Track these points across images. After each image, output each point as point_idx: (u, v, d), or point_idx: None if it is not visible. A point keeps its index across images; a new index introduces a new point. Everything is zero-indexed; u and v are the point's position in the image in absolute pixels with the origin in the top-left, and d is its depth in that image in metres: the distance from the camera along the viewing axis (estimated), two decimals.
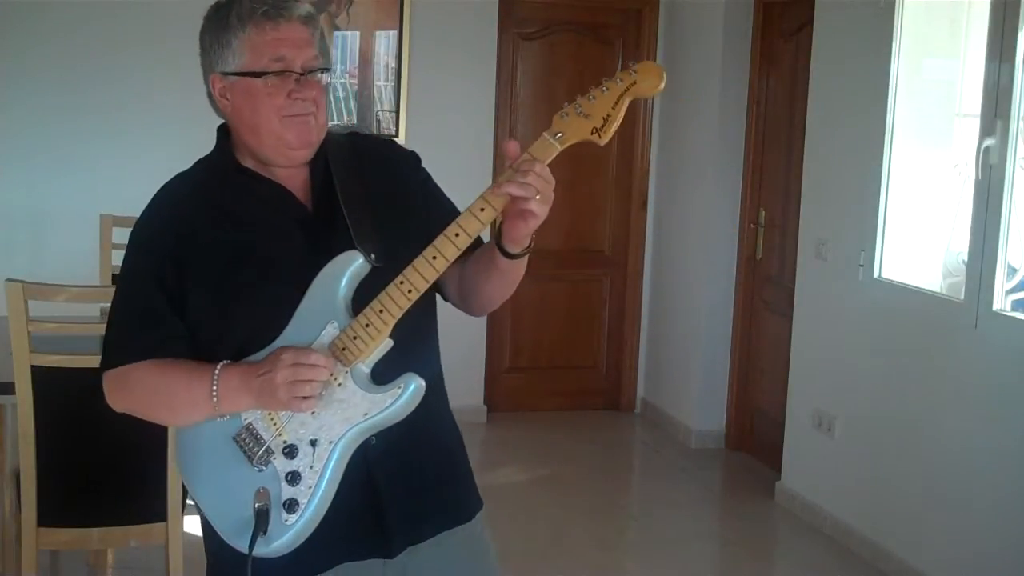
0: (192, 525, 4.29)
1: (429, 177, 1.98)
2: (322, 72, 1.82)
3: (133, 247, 1.88)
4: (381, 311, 1.70)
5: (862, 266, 4.44)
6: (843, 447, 4.61)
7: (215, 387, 1.72)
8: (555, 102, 7.33)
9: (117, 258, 4.43)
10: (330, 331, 1.72)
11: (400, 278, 1.69)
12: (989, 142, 3.73)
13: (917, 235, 4.39)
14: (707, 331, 5.81)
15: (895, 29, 4.27)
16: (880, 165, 4.34)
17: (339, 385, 1.71)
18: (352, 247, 1.75)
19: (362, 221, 1.79)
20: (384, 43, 5.83)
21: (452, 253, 1.69)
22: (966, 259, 3.95)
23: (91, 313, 4.12)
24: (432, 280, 1.70)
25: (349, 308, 1.73)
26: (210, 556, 1.86)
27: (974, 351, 3.83)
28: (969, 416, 3.87)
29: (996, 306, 3.75)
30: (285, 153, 1.82)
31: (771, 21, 5.51)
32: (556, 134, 1.69)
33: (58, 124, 5.48)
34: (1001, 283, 3.74)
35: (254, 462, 1.74)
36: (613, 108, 1.68)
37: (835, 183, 4.68)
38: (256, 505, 1.72)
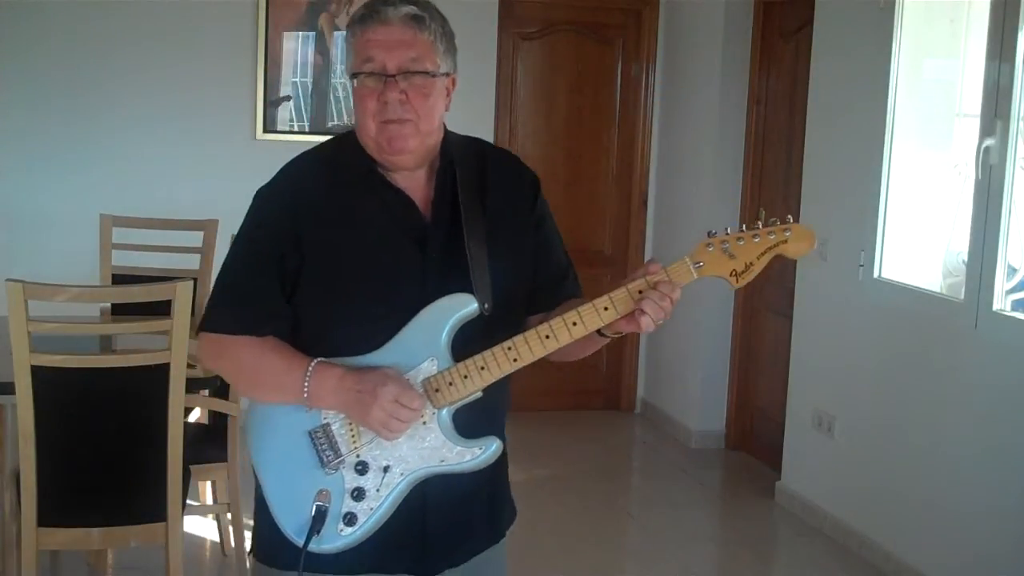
0: (192, 525, 4.30)
1: (545, 214, 1.97)
2: (425, 75, 1.78)
3: (257, 217, 1.88)
4: (483, 368, 1.75)
5: (862, 266, 4.44)
6: (843, 447, 4.61)
7: (307, 382, 1.76)
8: (555, 102, 7.38)
9: (117, 258, 4.49)
10: (428, 367, 1.77)
11: (509, 344, 1.75)
12: (989, 142, 3.73)
13: (917, 235, 4.39)
14: (707, 331, 5.81)
15: (895, 29, 4.27)
16: (880, 165, 4.34)
17: (424, 424, 1.77)
18: (466, 282, 1.78)
19: (479, 260, 1.81)
20: None
21: (565, 339, 1.75)
22: (966, 259, 3.94)
23: (91, 313, 4.13)
24: (539, 357, 1.76)
25: (450, 348, 1.77)
26: (260, 530, 1.91)
27: (974, 351, 3.83)
28: (969, 416, 3.86)
29: (996, 306, 3.74)
30: (385, 157, 1.83)
31: (771, 21, 5.51)
32: (697, 263, 1.77)
33: (58, 124, 5.48)
34: (1001, 283, 3.74)
35: (325, 465, 1.79)
36: (758, 258, 1.77)
37: (835, 183, 4.68)
38: (316, 504, 1.77)
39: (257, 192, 1.89)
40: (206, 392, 3.62)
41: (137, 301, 3.19)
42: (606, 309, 1.74)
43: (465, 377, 1.75)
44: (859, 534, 4.44)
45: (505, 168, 1.96)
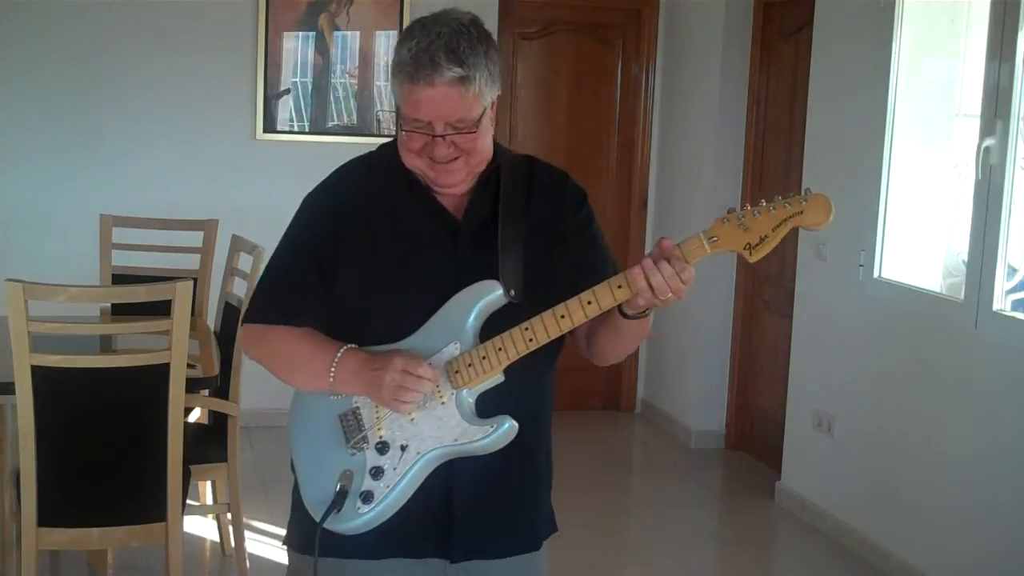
0: (192, 525, 4.30)
1: (591, 222, 2.00)
2: (473, 131, 1.82)
3: (301, 215, 1.96)
4: (500, 349, 1.79)
5: (862, 266, 4.44)
6: (843, 447, 4.61)
7: (334, 367, 1.83)
8: (555, 102, 7.37)
9: (117, 258, 4.49)
10: (450, 350, 1.82)
11: (525, 325, 1.78)
12: (989, 142, 3.73)
13: (917, 235, 4.39)
14: (707, 331, 5.81)
15: (895, 29, 4.27)
16: (880, 165, 4.34)
17: (442, 403, 1.81)
18: (495, 274, 1.82)
19: (512, 250, 1.85)
20: (384, 43, 5.83)
21: (580, 318, 1.76)
22: (966, 259, 3.94)
23: (91, 313, 4.13)
24: (555, 336, 1.78)
25: (476, 334, 1.82)
26: (294, 512, 1.97)
27: (974, 351, 3.83)
28: (969, 416, 3.86)
29: (996, 306, 3.74)
30: (434, 188, 1.89)
31: (771, 21, 5.51)
32: (711, 237, 1.75)
33: (58, 124, 5.48)
34: (1001, 283, 3.74)
35: (349, 445, 1.85)
36: (773, 230, 1.74)
37: (835, 183, 4.67)
38: (338, 484, 1.83)
39: (308, 193, 1.97)
40: (206, 392, 3.63)
41: (137, 301, 3.19)
42: (619, 287, 1.75)
43: (483, 358, 1.79)
44: (859, 534, 4.44)
45: (551, 179, 2.01)
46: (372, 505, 1.81)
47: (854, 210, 4.48)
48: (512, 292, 1.81)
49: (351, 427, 1.85)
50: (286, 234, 1.97)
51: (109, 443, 3.05)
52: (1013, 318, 3.71)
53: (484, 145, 1.87)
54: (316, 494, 1.86)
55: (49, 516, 2.99)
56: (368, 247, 1.88)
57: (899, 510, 4.23)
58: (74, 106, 5.48)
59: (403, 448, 1.81)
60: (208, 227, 4.56)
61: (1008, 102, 3.67)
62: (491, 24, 5.90)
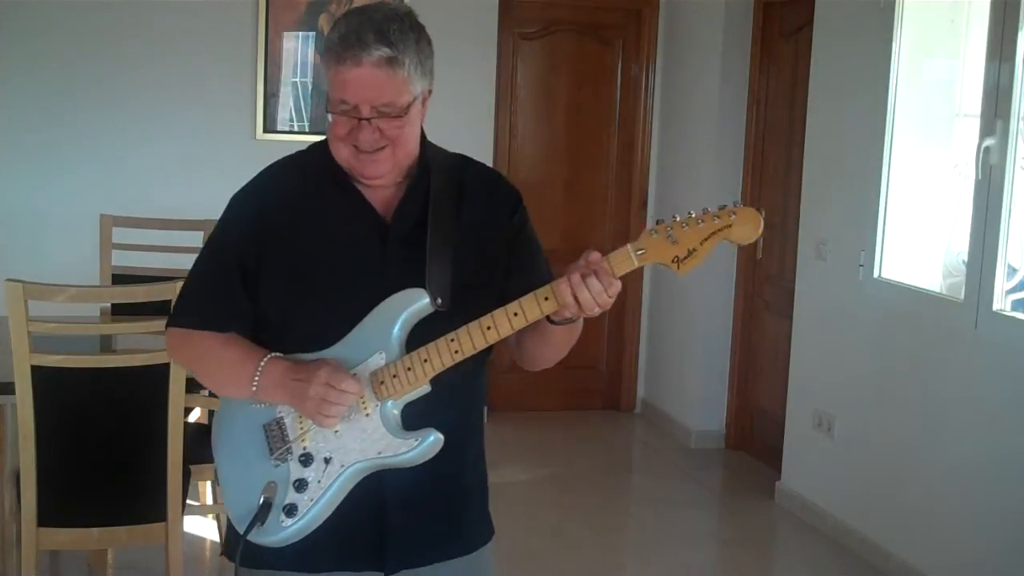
0: (192, 525, 4.30)
1: (524, 226, 1.95)
2: (400, 116, 1.78)
3: (226, 219, 1.92)
4: (425, 360, 1.75)
5: (862, 266, 4.44)
6: (843, 447, 4.61)
7: (257, 376, 1.80)
8: (555, 102, 7.34)
9: (117, 258, 4.48)
10: (376, 360, 1.78)
11: (451, 336, 1.75)
12: (989, 142, 3.73)
13: (917, 235, 4.39)
14: (707, 331, 5.80)
15: (895, 29, 4.27)
16: (880, 165, 4.34)
17: (367, 415, 1.78)
18: (423, 281, 1.78)
19: (441, 256, 1.81)
20: None
21: (506, 330, 1.74)
22: (966, 259, 3.94)
23: (91, 313, 4.13)
24: (481, 348, 1.75)
25: (402, 344, 1.79)
26: (228, 528, 1.93)
27: (974, 351, 3.83)
28: (969, 416, 3.86)
29: (996, 306, 3.74)
30: (360, 180, 1.85)
31: (771, 21, 5.51)
32: (639, 250, 1.72)
33: (58, 124, 5.48)
34: (1001, 283, 3.74)
35: (273, 456, 1.82)
36: (701, 244, 1.70)
37: (835, 183, 4.68)
38: (262, 496, 1.80)
39: (235, 194, 1.94)
40: (206, 392, 3.62)
41: (137, 301, 3.19)
42: (546, 299, 1.72)
43: (408, 369, 1.76)
44: (859, 533, 4.44)
45: (484, 181, 1.97)
46: (296, 518, 1.79)
47: (854, 210, 4.48)
48: (439, 300, 1.78)
49: (275, 437, 1.82)
50: (211, 236, 1.94)
51: (109, 443, 3.05)
52: (1013, 318, 3.71)
53: (411, 136, 1.83)
54: (240, 506, 1.83)
55: (49, 516, 2.99)
56: (294, 249, 1.84)
57: (899, 510, 4.23)
58: (74, 106, 5.48)
59: (327, 461, 1.79)
60: (208, 227, 4.55)
61: (1008, 102, 3.67)
62: (491, 24, 5.90)
